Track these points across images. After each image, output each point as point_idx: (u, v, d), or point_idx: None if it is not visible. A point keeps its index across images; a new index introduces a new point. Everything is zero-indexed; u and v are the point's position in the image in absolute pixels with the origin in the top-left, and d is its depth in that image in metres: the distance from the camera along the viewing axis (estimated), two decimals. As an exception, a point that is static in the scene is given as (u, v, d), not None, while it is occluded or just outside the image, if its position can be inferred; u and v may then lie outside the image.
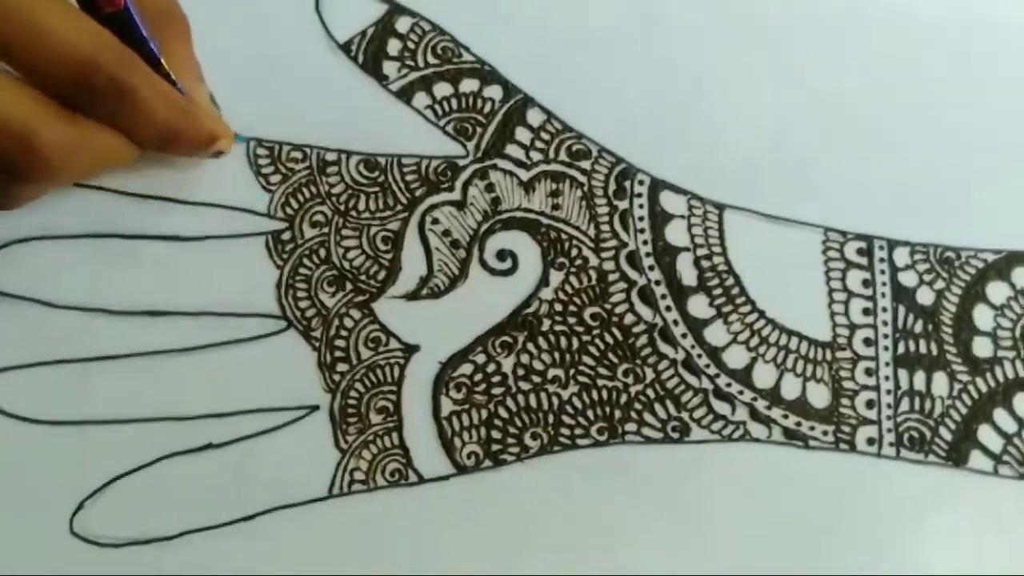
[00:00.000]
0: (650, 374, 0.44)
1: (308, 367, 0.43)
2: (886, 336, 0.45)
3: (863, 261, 0.46)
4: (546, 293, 0.45)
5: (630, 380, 0.44)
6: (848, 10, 0.50)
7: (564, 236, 0.45)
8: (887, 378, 0.45)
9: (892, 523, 0.44)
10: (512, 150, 0.46)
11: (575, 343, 0.44)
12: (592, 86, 0.47)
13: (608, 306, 0.45)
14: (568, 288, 0.45)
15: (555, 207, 0.46)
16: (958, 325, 0.46)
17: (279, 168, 0.45)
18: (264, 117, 0.45)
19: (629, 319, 0.45)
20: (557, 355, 0.44)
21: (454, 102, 0.47)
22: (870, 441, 0.44)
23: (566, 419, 0.44)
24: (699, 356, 0.45)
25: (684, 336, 0.45)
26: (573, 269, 0.45)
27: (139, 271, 0.43)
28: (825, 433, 0.44)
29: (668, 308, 0.45)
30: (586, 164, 0.46)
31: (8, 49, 0.35)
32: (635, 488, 0.44)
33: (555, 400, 0.44)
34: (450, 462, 0.43)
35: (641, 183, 0.46)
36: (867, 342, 0.45)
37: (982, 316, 0.46)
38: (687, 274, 0.45)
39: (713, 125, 0.47)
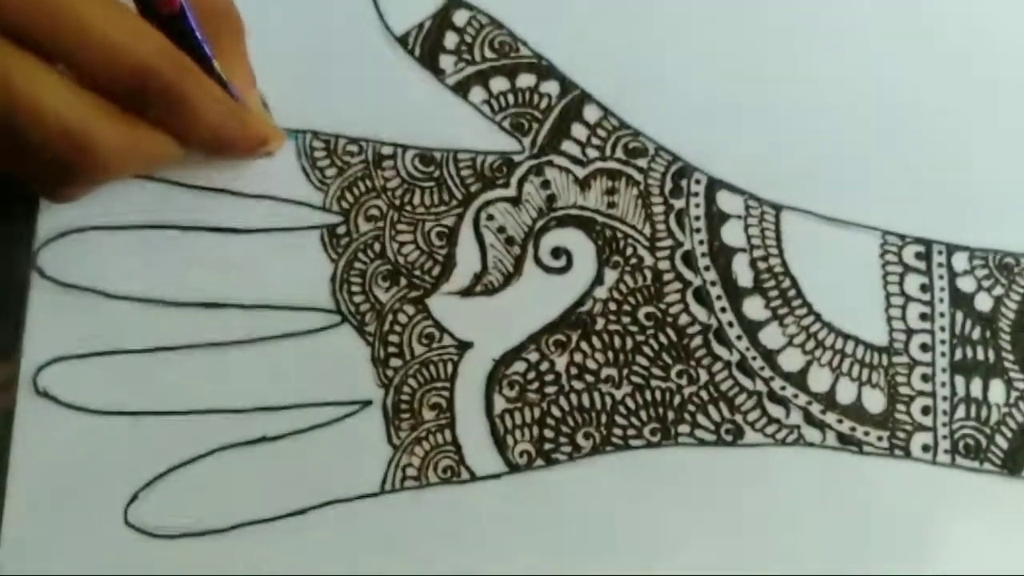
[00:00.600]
0: (704, 376, 0.44)
1: (362, 362, 0.43)
2: (943, 342, 0.45)
3: (921, 265, 0.46)
4: (600, 292, 0.45)
5: (684, 381, 0.44)
6: (914, 11, 0.49)
7: (619, 234, 0.45)
8: (943, 384, 0.45)
9: (945, 530, 0.44)
10: (568, 147, 0.46)
11: (629, 343, 0.44)
12: (650, 83, 0.47)
13: (663, 306, 0.45)
14: (623, 287, 0.45)
15: (611, 205, 0.45)
16: (1016, 332, 0.45)
17: (335, 161, 0.45)
18: (320, 110, 0.45)
19: (684, 320, 0.45)
20: (611, 354, 0.44)
21: (511, 97, 0.46)
22: (925, 448, 0.44)
23: (619, 419, 0.43)
24: (754, 358, 0.44)
25: (739, 338, 0.44)
26: (628, 268, 0.45)
27: (195, 263, 0.43)
28: (880, 439, 0.44)
29: (723, 309, 0.45)
30: (642, 162, 0.46)
31: (64, 53, 0.35)
32: (687, 491, 0.43)
33: (608, 400, 0.44)
34: (502, 460, 0.43)
35: (698, 182, 0.46)
36: (924, 348, 0.45)
37: (1041, 324, 0.46)
38: (743, 275, 0.45)
39: (772, 125, 0.47)
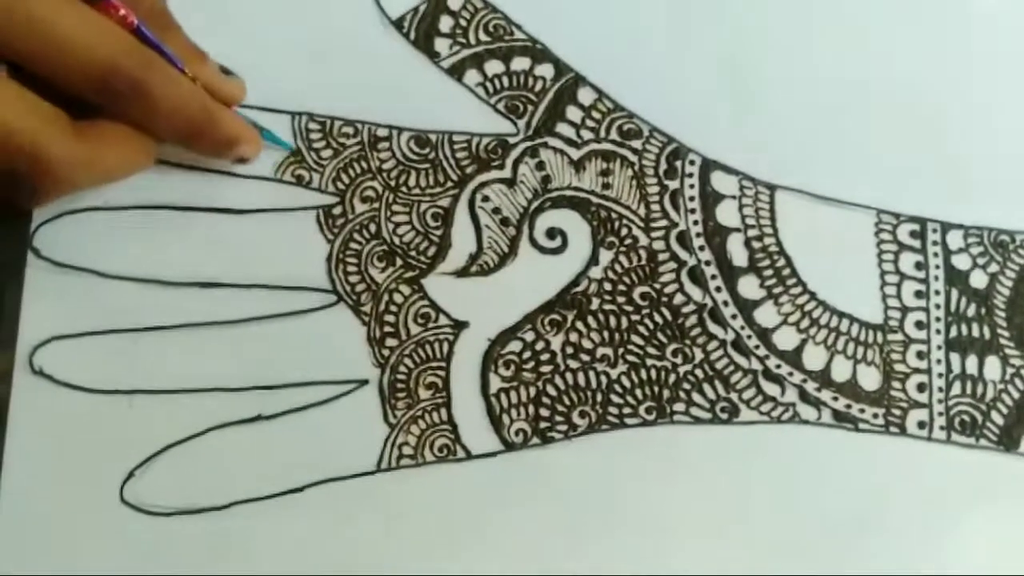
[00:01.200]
0: (699, 354, 0.44)
1: (357, 342, 0.43)
2: (938, 319, 0.45)
3: (916, 244, 0.46)
4: (595, 272, 0.45)
5: (679, 360, 0.44)
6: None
7: (614, 215, 0.45)
8: (939, 361, 0.45)
9: (941, 507, 0.44)
10: (563, 129, 0.46)
11: (624, 322, 0.44)
12: (643, 65, 0.47)
13: (658, 286, 0.45)
14: (618, 267, 0.45)
15: (605, 186, 0.46)
16: (1011, 309, 0.46)
17: (331, 143, 0.45)
18: (316, 92, 0.45)
19: (679, 299, 0.45)
20: (606, 334, 0.44)
21: (505, 80, 0.46)
22: (921, 425, 0.44)
23: (614, 398, 0.44)
24: (749, 337, 0.44)
25: (734, 317, 0.45)
26: (623, 248, 0.45)
27: (191, 243, 0.43)
28: (875, 416, 0.44)
29: (718, 288, 0.45)
30: (637, 143, 0.46)
31: (28, 55, 0.36)
32: (683, 468, 0.43)
33: (603, 379, 0.44)
34: (498, 439, 0.43)
35: (692, 163, 0.46)
36: (919, 325, 0.45)
37: (1036, 300, 0.46)
38: (738, 255, 0.45)
39: (765, 105, 0.47)
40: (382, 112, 0.45)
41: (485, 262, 0.44)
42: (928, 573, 0.43)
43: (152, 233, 0.43)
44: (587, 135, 0.46)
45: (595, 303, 0.44)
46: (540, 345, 0.44)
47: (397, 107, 0.46)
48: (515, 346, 0.44)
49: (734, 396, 0.44)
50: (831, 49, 0.48)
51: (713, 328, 0.44)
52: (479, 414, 0.43)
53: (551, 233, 0.45)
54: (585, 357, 0.44)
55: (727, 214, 0.46)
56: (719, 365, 0.44)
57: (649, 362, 0.44)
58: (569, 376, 0.44)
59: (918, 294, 0.45)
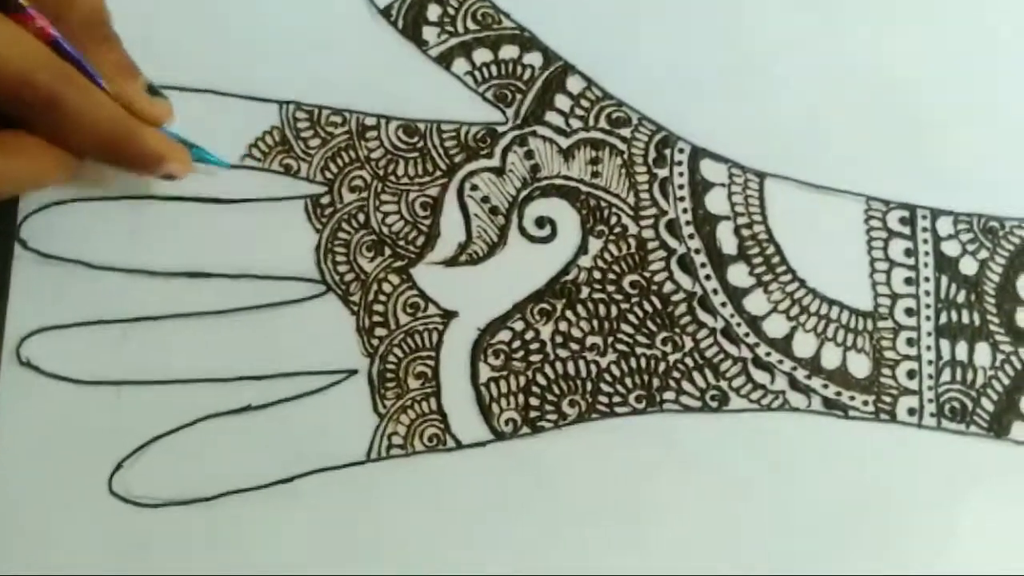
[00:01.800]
0: (689, 343, 0.44)
1: (347, 331, 0.43)
2: (928, 306, 0.45)
3: (906, 230, 0.46)
4: (585, 261, 0.45)
5: (669, 348, 0.44)
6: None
7: (603, 204, 0.45)
8: (929, 348, 0.45)
9: (932, 493, 0.44)
10: (552, 117, 0.46)
11: (614, 311, 0.44)
12: (632, 53, 0.47)
13: (647, 274, 0.45)
14: (607, 256, 0.45)
15: (594, 175, 0.45)
16: (1001, 295, 0.46)
17: (318, 132, 0.45)
18: (304, 81, 0.45)
19: (668, 287, 0.45)
20: (596, 323, 0.44)
21: (494, 68, 0.46)
22: (911, 411, 0.44)
23: (604, 387, 0.43)
24: (738, 325, 0.44)
25: (723, 305, 0.44)
26: (612, 237, 0.45)
27: (178, 234, 0.43)
28: (865, 403, 0.44)
29: (708, 277, 0.45)
30: (626, 132, 0.46)
31: None
32: (673, 457, 0.43)
33: (593, 368, 0.44)
34: (488, 428, 0.43)
35: (681, 151, 0.46)
36: (909, 312, 0.45)
37: (1026, 286, 0.46)
38: (727, 243, 0.45)
39: (755, 93, 0.47)
40: (370, 101, 0.45)
41: (474, 251, 0.44)
42: (920, 559, 0.43)
43: (139, 224, 0.43)
44: (576, 123, 0.46)
45: (585, 292, 0.44)
46: (530, 334, 0.44)
47: (385, 96, 0.46)
48: (505, 335, 0.44)
49: (724, 384, 0.44)
50: (820, 37, 0.48)
51: (703, 316, 0.44)
52: (469, 403, 0.43)
53: (540, 222, 0.45)
54: (575, 346, 0.44)
55: (716, 202, 0.46)
56: (709, 353, 0.44)
57: (639, 351, 0.44)
58: (559, 365, 0.44)
59: (908, 281, 0.45)
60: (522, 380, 0.43)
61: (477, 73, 0.46)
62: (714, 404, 0.44)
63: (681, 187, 0.45)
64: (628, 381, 0.44)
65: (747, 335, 0.44)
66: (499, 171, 0.45)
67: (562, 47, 0.47)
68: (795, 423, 0.44)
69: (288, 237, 0.43)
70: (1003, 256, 0.46)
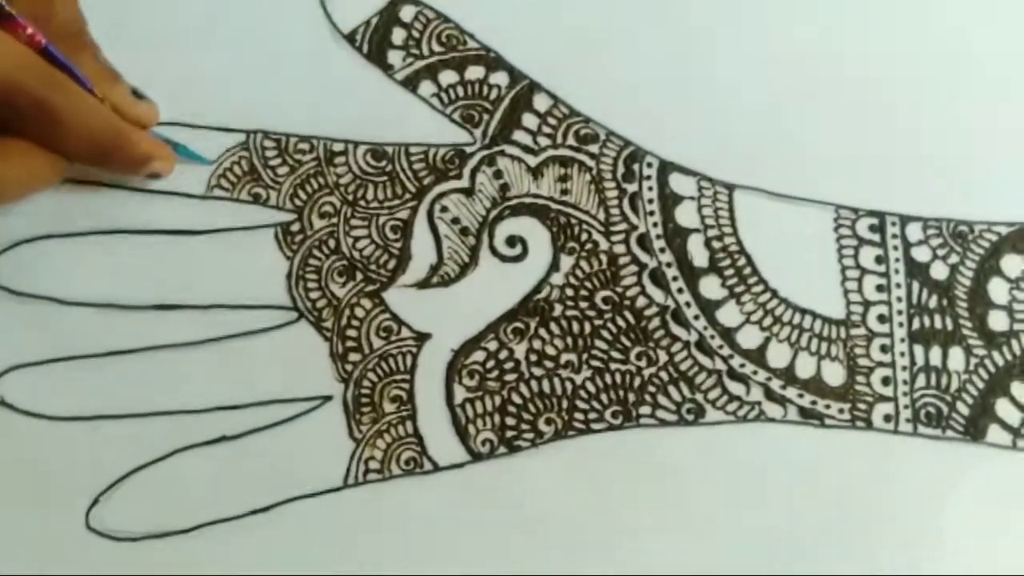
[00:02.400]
0: (663, 356, 0.44)
1: (320, 357, 0.43)
2: (900, 312, 0.45)
3: (875, 238, 0.46)
4: (557, 278, 0.45)
5: (643, 363, 0.44)
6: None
7: (574, 221, 0.45)
8: (902, 354, 0.45)
9: (910, 499, 0.44)
10: (519, 136, 0.46)
11: (587, 327, 0.44)
12: (597, 70, 0.47)
13: (619, 289, 0.45)
14: (579, 273, 0.45)
15: (564, 192, 0.46)
16: (973, 299, 0.46)
17: (286, 159, 0.45)
18: (270, 109, 0.45)
19: (641, 302, 0.45)
20: (569, 340, 0.44)
21: (460, 89, 0.46)
22: (887, 418, 0.44)
23: (580, 404, 0.44)
24: (712, 337, 0.44)
25: (696, 318, 0.45)
26: (583, 253, 0.45)
27: (148, 266, 0.43)
28: (841, 411, 0.44)
29: (680, 290, 0.45)
30: (594, 148, 0.46)
31: None
32: (651, 471, 0.43)
33: (568, 385, 0.44)
34: (465, 449, 0.43)
35: (650, 165, 0.46)
36: (881, 319, 0.45)
37: (997, 289, 0.46)
38: (698, 255, 0.45)
39: (721, 105, 0.47)
40: (338, 127, 0.46)
41: (446, 273, 0.44)
42: (900, 564, 0.43)
43: (109, 258, 0.43)
44: (544, 141, 0.46)
45: (557, 309, 0.44)
46: (504, 354, 0.44)
47: (352, 121, 0.46)
48: (479, 356, 0.44)
49: (699, 397, 0.44)
50: (786, 47, 0.48)
51: (676, 330, 0.44)
52: (445, 425, 0.43)
53: (511, 241, 0.45)
54: (549, 364, 0.44)
55: (686, 215, 0.46)
56: (683, 367, 0.44)
57: (613, 366, 0.44)
58: (534, 384, 0.44)
59: (879, 288, 0.45)
60: (497, 400, 0.43)
61: (443, 95, 0.46)
62: (690, 417, 0.44)
63: (651, 201, 0.46)
64: (604, 397, 0.44)
65: (721, 347, 0.44)
66: (468, 192, 0.45)
67: (527, 66, 0.47)
68: (772, 433, 0.44)
69: (259, 265, 0.44)
70: (973, 260, 0.46)
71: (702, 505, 0.43)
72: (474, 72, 0.47)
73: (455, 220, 0.45)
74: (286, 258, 0.44)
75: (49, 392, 0.42)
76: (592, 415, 0.43)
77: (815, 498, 0.43)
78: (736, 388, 0.44)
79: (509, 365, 0.44)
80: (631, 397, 0.44)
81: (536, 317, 0.44)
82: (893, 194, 0.46)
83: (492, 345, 0.44)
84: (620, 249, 0.45)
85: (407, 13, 0.47)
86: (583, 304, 0.44)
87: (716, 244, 0.45)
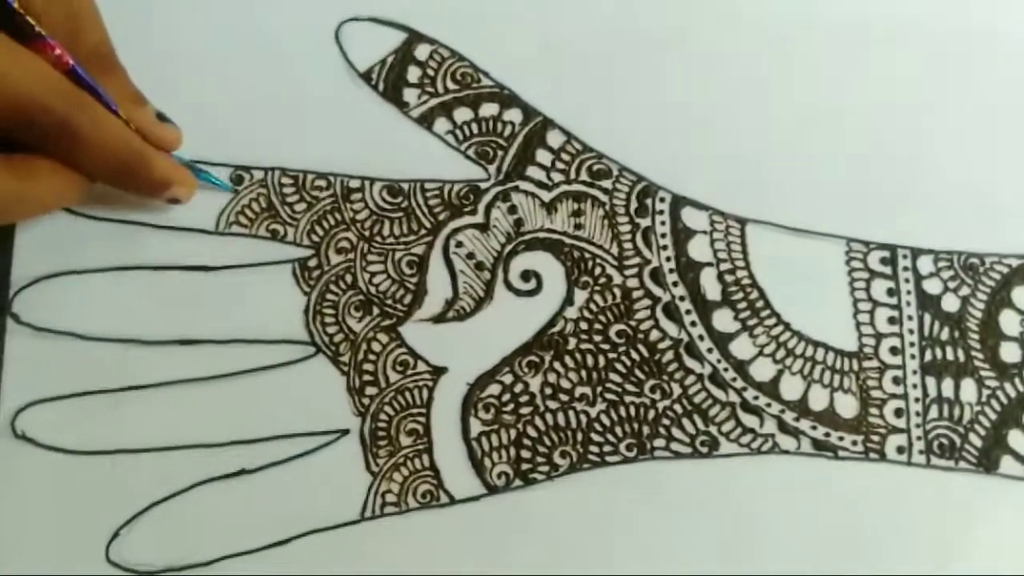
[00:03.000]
0: (677, 389, 0.45)
1: (337, 392, 0.44)
2: (912, 344, 0.45)
3: (887, 270, 0.46)
4: (571, 312, 0.45)
5: (657, 396, 0.44)
6: (865, 22, 0.50)
7: (587, 255, 0.46)
8: (915, 386, 0.45)
9: (924, 531, 0.44)
10: (533, 172, 0.47)
11: (601, 361, 0.45)
12: (610, 106, 0.48)
13: (633, 323, 0.45)
14: (593, 306, 0.45)
15: (577, 227, 0.46)
16: (985, 331, 0.46)
17: (304, 196, 0.45)
18: (288, 147, 0.46)
19: (655, 335, 0.45)
20: (584, 373, 0.44)
21: (475, 126, 0.47)
22: (900, 450, 0.44)
23: (595, 436, 0.44)
24: (726, 370, 0.45)
25: (710, 351, 0.45)
26: (597, 287, 0.45)
27: (168, 302, 0.44)
28: (854, 443, 0.44)
29: (693, 323, 0.45)
30: (607, 183, 0.47)
31: None
32: (666, 504, 0.44)
33: (583, 418, 0.44)
34: (481, 482, 0.43)
35: (662, 200, 0.46)
36: (894, 351, 0.45)
37: (1009, 321, 0.46)
38: (711, 289, 0.46)
39: (732, 140, 0.48)
40: (354, 163, 0.46)
41: (461, 307, 0.45)
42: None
43: (129, 293, 0.43)
44: (557, 177, 0.47)
45: (572, 343, 0.45)
46: (519, 387, 0.44)
47: (369, 158, 0.46)
48: (494, 389, 0.44)
49: (713, 429, 0.44)
50: (794, 82, 0.49)
51: (690, 363, 0.45)
52: (461, 459, 0.43)
53: (526, 275, 0.45)
54: (564, 397, 0.44)
55: (699, 249, 0.46)
56: (697, 399, 0.44)
57: (628, 399, 0.44)
58: (549, 417, 0.44)
59: (891, 320, 0.46)
60: (513, 433, 0.44)
61: (458, 132, 0.47)
62: (704, 450, 0.44)
63: (663, 236, 0.46)
64: (618, 430, 0.44)
65: (734, 380, 0.45)
66: (483, 227, 0.46)
67: (541, 103, 0.47)
68: (785, 465, 0.44)
69: (277, 301, 0.44)
70: (984, 292, 0.46)
71: (717, 537, 0.43)
72: (488, 109, 0.47)
73: (470, 255, 0.45)
74: (304, 293, 0.44)
75: (70, 426, 0.42)
76: (607, 448, 0.44)
77: (829, 530, 0.43)
78: (750, 420, 0.44)
79: (524, 398, 0.44)
80: (645, 430, 0.44)
81: (551, 351, 0.45)
82: (904, 227, 0.47)
83: (507, 379, 0.44)
84: (633, 283, 0.45)
85: (422, 52, 0.48)
86: (597, 338, 0.45)
87: (729, 277, 0.46)
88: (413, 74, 0.47)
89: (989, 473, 0.44)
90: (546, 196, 0.46)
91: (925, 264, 0.46)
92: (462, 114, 0.47)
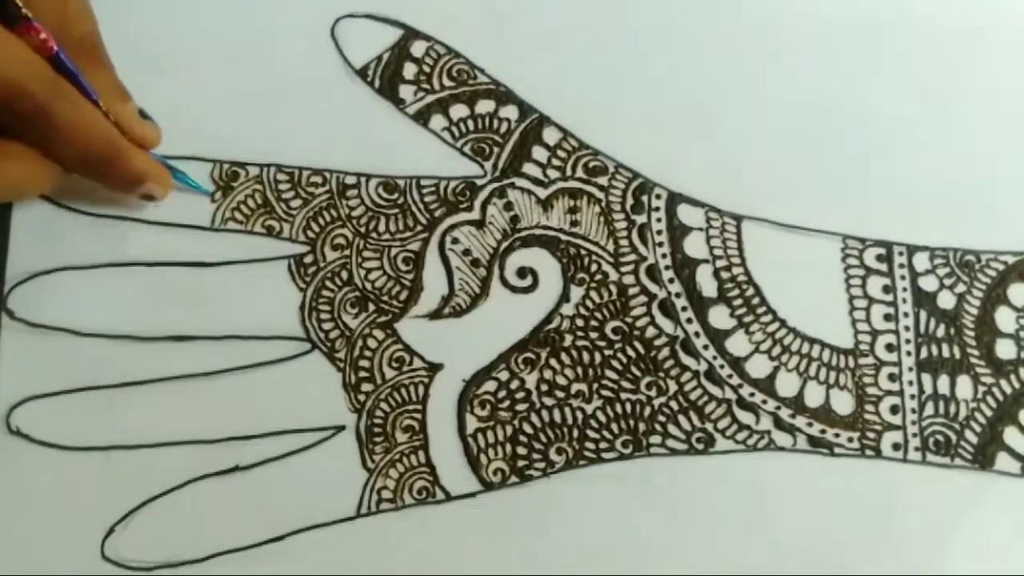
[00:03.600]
0: (673, 386, 0.44)
1: (333, 388, 0.44)
2: (908, 341, 0.45)
3: (883, 267, 0.46)
4: (567, 309, 0.45)
5: (653, 392, 0.44)
6: (860, 20, 0.50)
7: (583, 252, 0.46)
8: (911, 383, 0.45)
9: (919, 528, 0.44)
10: (529, 168, 0.47)
11: (597, 357, 0.45)
12: (607, 103, 0.48)
13: (629, 320, 0.45)
14: (589, 303, 0.45)
15: (574, 223, 0.46)
16: (980, 328, 0.46)
17: (299, 192, 0.45)
18: (284, 143, 0.46)
19: (650, 332, 0.45)
20: (580, 370, 0.44)
21: (471, 123, 0.47)
22: (895, 446, 0.44)
23: (591, 433, 0.44)
24: (721, 367, 0.45)
25: (706, 347, 0.45)
26: (593, 284, 0.45)
27: (163, 298, 0.44)
28: (850, 440, 0.44)
29: (689, 320, 0.45)
30: (603, 180, 0.47)
31: None
32: (661, 500, 0.43)
33: (579, 415, 0.44)
34: (476, 479, 0.43)
35: (658, 197, 0.46)
36: (889, 348, 0.45)
37: (1004, 318, 0.46)
38: (707, 286, 0.46)
39: (729, 137, 0.48)
40: (350, 160, 0.46)
41: (457, 303, 0.45)
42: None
43: (124, 290, 0.43)
44: (553, 174, 0.47)
45: (568, 340, 0.45)
46: (515, 384, 0.44)
47: (365, 154, 0.46)
48: (490, 386, 0.44)
49: (709, 426, 0.44)
50: (789, 79, 0.49)
51: (686, 359, 0.45)
52: (457, 455, 0.43)
53: (522, 272, 0.45)
54: (560, 394, 0.44)
55: (695, 246, 0.46)
56: (693, 396, 0.44)
57: (624, 396, 0.44)
58: (545, 413, 0.44)
59: (887, 317, 0.46)
60: (509, 429, 0.44)
61: (454, 128, 0.47)
62: (700, 446, 0.44)
63: (659, 232, 0.46)
64: (614, 427, 0.44)
65: (730, 376, 0.45)
66: (479, 224, 0.46)
67: (537, 100, 0.47)
68: (781, 462, 0.44)
69: (272, 297, 0.44)
70: (980, 289, 0.46)
71: (713, 534, 0.43)
72: (484, 106, 0.47)
73: (466, 252, 0.45)
74: (299, 289, 0.44)
75: (64, 422, 0.42)
76: (603, 445, 0.44)
77: (825, 527, 0.43)
78: (746, 417, 0.44)
79: (520, 395, 0.44)
80: (641, 427, 0.44)
81: (547, 347, 0.44)
82: (900, 224, 0.47)
83: (503, 375, 0.44)
84: (629, 280, 0.45)
85: (418, 49, 0.48)
86: (593, 334, 0.45)
87: (725, 274, 0.46)
88: (409, 71, 0.47)
89: (985, 470, 0.44)
90: (542, 193, 0.46)
91: (921, 261, 0.46)
92: (458, 111, 0.47)
